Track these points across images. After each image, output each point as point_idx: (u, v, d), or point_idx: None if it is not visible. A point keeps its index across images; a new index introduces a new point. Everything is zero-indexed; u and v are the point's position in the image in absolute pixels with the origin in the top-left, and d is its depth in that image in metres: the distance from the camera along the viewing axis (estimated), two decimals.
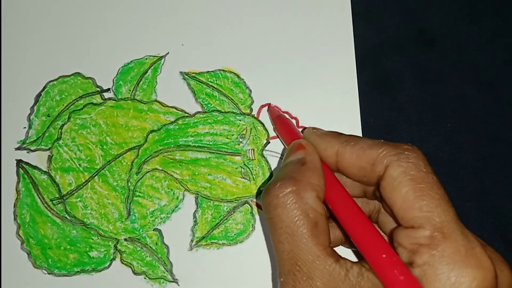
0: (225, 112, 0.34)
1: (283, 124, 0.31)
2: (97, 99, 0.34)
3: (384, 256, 0.21)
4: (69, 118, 0.34)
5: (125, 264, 0.32)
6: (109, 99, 0.34)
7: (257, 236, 0.32)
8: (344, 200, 0.24)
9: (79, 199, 0.33)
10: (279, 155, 0.34)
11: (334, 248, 0.23)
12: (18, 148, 0.34)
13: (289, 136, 0.29)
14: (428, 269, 0.20)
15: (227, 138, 0.34)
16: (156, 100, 0.34)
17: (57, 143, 0.34)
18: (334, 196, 0.24)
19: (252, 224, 0.32)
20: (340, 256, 0.22)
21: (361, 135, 0.34)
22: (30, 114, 0.34)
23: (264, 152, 0.33)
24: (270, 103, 0.34)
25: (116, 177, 0.33)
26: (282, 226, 0.23)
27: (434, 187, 0.21)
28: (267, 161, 0.33)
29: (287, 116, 0.33)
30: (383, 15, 0.37)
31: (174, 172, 0.33)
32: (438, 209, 0.21)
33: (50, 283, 0.32)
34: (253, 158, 0.33)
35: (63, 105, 0.34)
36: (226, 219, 0.33)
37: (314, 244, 0.22)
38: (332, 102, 0.34)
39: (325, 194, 0.24)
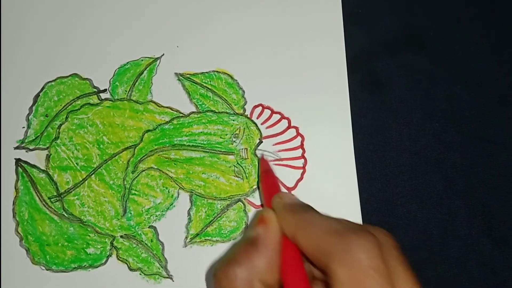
0: (219, 112, 0.35)
1: (268, 182, 0.30)
2: (94, 99, 0.35)
3: None
4: (66, 118, 0.35)
5: (121, 261, 0.32)
6: (106, 99, 0.35)
7: None
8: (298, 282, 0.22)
9: (76, 197, 0.33)
10: (272, 155, 0.34)
11: None
12: (17, 148, 0.34)
13: (269, 197, 0.27)
14: None
15: (220, 137, 0.34)
16: (151, 101, 0.35)
17: (55, 142, 0.34)
18: (288, 281, 0.22)
19: (245, 222, 0.33)
20: None
21: (351, 135, 0.34)
22: (28, 114, 0.35)
23: (257, 151, 0.34)
24: (263, 155, 0.33)
25: (113, 175, 0.34)
26: None
27: None
28: (259, 160, 0.34)
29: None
30: (374, 17, 0.37)
31: (169, 170, 0.34)
32: None
33: (48, 279, 0.32)
34: (246, 157, 0.34)
35: (61, 105, 0.35)
36: (219, 216, 0.33)
37: None
38: (324, 103, 0.35)
39: (281, 275, 0.23)
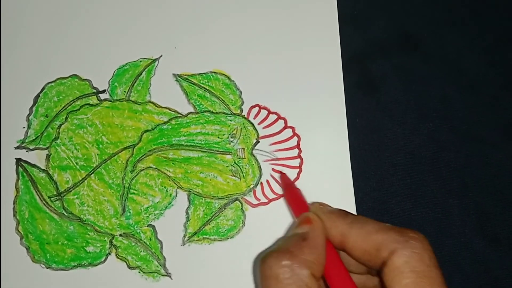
0: (217, 112, 0.35)
1: (293, 194, 0.31)
2: (93, 100, 0.35)
3: None
4: (66, 118, 0.35)
5: (120, 259, 0.33)
6: (105, 100, 0.35)
7: (247, 232, 0.33)
8: (343, 282, 0.24)
9: (76, 196, 0.34)
10: (268, 154, 0.34)
11: None
12: (17, 147, 0.34)
13: (297, 207, 0.29)
14: None
15: (218, 137, 0.35)
16: (150, 101, 0.35)
17: (55, 142, 0.35)
18: (333, 276, 0.24)
19: (242, 220, 0.33)
20: None
21: (347, 135, 0.34)
22: (29, 115, 0.35)
23: (254, 151, 0.34)
24: (282, 172, 0.34)
25: (112, 175, 0.34)
26: None
27: (435, 283, 0.21)
28: (256, 160, 0.34)
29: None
30: (369, 19, 0.38)
31: (167, 170, 0.34)
32: None
33: (48, 277, 0.32)
34: (243, 157, 0.34)
35: (60, 106, 0.35)
36: (217, 215, 0.33)
37: None
38: (320, 103, 0.35)
39: (325, 271, 0.24)
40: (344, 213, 0.25)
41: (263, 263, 0.23)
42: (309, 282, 0.22)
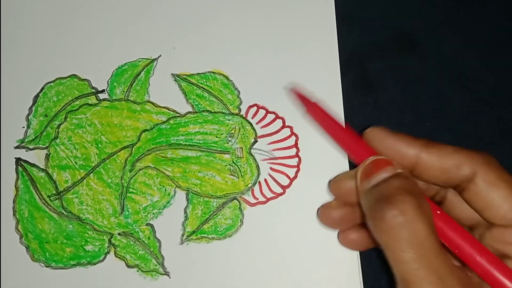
0: (215, 112, 0.35)
1: (339, 128, 0.29)
2: (92, 100, 0.35)
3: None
4: (65, 118, 0.35)
5: (119, 258, 0.33)
6: (104, 99, 0.35)
7: (245, 231, 0.33)
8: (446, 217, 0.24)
9: (75, 195, 0.34)
10: (266, 153, 0.35)
11: None
12: (17, 147, 0.35)
13: (358, 148, 0.27)
14: None
15: (216, 137, 0.35)
16: (148, 101, 0.35)
17: (54, 142, 0.35)
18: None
19: (240, 219, 0.33)
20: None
21: None
22: (28, 114, 0.35)
23: (252, 150, 0.34)
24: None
25: (111, 174, 0.34)
26: (413, 244, 0.21)
27: None
28: (254, 159, 0.34)
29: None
30: (366, 19, 0.38)
31: (165, 169, 0.34)
32: None
33: (48, 275, 0.32)
34: (242, 156, 0.34)
35: (60, 105, 0.35)
36: (215, 214, 0.34)
37: (445, 255, 0.21)
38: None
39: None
40: (412, 136, 0.26)
41: (389, 214, 0.21)
42: (432, 214, 0.22)
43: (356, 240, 0.30)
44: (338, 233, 0.32)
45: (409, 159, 0.25)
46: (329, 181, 0.31)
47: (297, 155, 0.35)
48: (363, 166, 0.25)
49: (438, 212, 0.24)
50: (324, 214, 0.31)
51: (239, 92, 0.36)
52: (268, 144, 0.35)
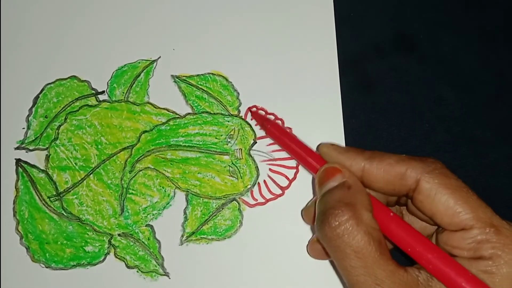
0: (214, 113, 0.35)
1: (296, 143, 0.31)
2: (92, 101, 0.36)
3: (452, 271, 0.23)
4: (65, 119, 0.35)
5: (119, 258, 0.33)
6: (104, 101, 0.36)
7: (245, 232, 0.33)
8: (396, 219, 0.25)
9: (75, 196, 0.34)
10: (265, 155, 0.35)
11: None
12: (17, 148, 0.35)
13: (310, 160, 0.29)
14: (495, 258, 0.22)
15: (216, 138, 0.35)
16: (148, 102, 0.35)
17: (54, 143, 0.35)
18: (380, 214, 0.25)
19: (239, 220, 0.34)
20: (401, 265, 0.23)
21: (343, 136, 0.35)
22: (28, 116, 0.35)
23: (251, 152, 0.35)
24: (257, 113, 0.34)
25: (110, 175, 0.34)
26: (351, 252, 0.23)
27: (468, 191, 0.24)
28: (254, 160, 0.34)
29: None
30: (365, 21, 0.38)
31: (165, 170, 0.34)
32: (480, 209, 0.23)
33: (48, 276, 0.33)
34: (241, 158, 0.34)
35: (60, 106, 0.35)
36: (215, 215, 0.34)
37: (385, 261, 0.23)
38: (316, 104, 0.35)
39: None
40: (359, 149, 0.26)
41: (327, 225, 0.24)
42: (373, 224, 0.24)
43: (321, 249, 0.30)
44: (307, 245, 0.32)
45: (356, 173, 0.26)
46: (301, 211, 0.33)
47: None
48: (318, 175, 0.27)
49: (391, 214, 0.25)
50: (312, 250, 0.31)
51: (238, 93, 0.36)
52: (267, 145, 0.35)
